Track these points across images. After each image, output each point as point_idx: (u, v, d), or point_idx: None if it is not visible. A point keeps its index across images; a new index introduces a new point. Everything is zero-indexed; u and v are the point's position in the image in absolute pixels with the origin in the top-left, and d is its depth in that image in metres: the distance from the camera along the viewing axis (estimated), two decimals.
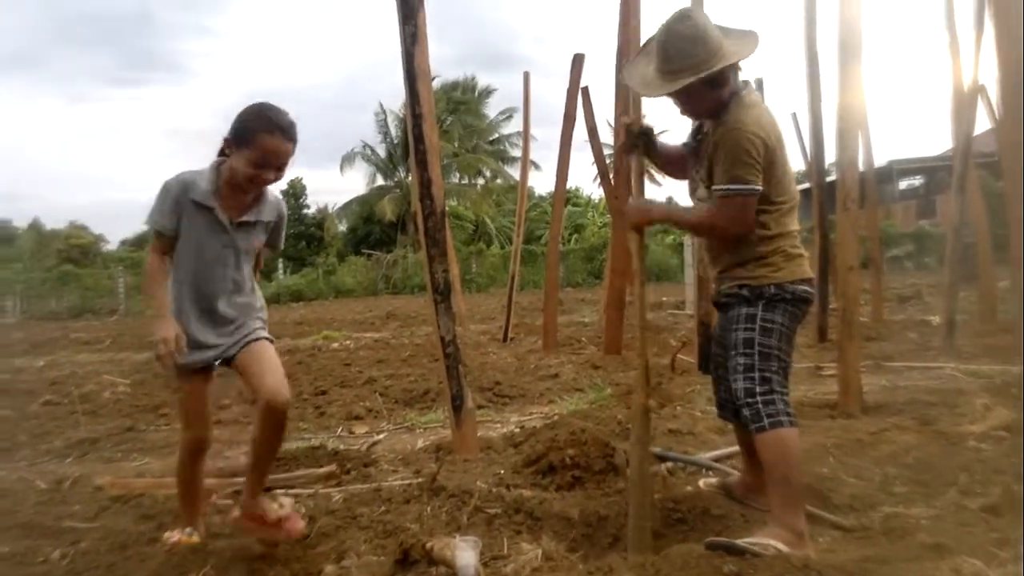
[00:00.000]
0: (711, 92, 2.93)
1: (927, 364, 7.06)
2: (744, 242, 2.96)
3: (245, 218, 3.01)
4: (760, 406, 2.85)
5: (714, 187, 2.92)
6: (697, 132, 3.19)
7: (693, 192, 3.19)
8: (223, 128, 2.91)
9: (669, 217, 3.30)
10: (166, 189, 2.91)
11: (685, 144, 3.32)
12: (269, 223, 3.13)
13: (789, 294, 2.93)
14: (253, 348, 3.04)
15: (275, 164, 2.89)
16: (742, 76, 3.00)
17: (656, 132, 3.36)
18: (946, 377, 6.39)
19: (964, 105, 8.49)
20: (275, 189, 3.14)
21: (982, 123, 9.40)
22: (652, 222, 3.26)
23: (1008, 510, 3.10)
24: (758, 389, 2.87)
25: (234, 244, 3.01)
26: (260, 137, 2.82)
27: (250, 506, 3.03)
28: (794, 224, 3.01)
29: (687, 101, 3.04)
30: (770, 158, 2.86)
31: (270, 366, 2.98)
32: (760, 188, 2.84)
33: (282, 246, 3.30)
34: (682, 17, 2.93)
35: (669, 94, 2.99)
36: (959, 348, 7.83)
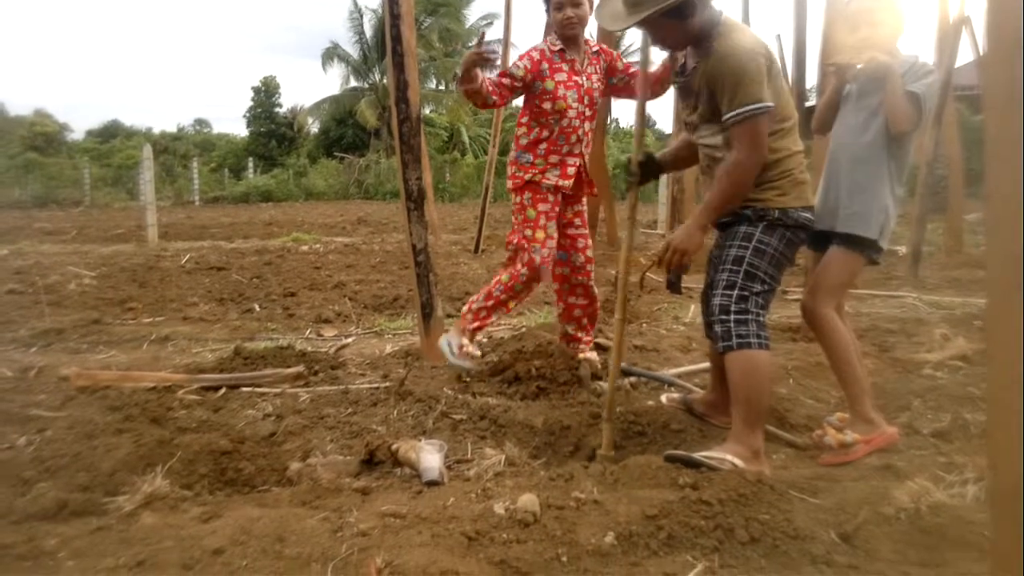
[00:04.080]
0: (678, 24, 2.87)
1: (890, 293, 7.17)
2: None
3: None
4: (732, 325, 2.88)
5: (725, 117, 2.83)
6: (682, 71, 3.11)
7: (693, 131, 3.12)
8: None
9: (709, 216, 2.98)
10: None
11: (674, 82, 3.26)
12: None
13: (791, 220, 2.92)
14: None
15: None
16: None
17: (655, 154, 3.32)
18: (908, 306, 6.51)
19: (948, 36, 8.42)
20: None
21: (964, 55, 9.35)
22: (704, 236, 3.01)
23: (957, 436, 3.21)
24: (733, 307, 2.89)
25: None
26: None
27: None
28: (796, 145, 2.98)
29: (655, 33, 2.99)
30: (770, 76, 2.82)
31: None
32: (771, 104, 2.78)
33: None
34: None
35: (639, 26, 2.93)
36: (923, 279, 7.95)
